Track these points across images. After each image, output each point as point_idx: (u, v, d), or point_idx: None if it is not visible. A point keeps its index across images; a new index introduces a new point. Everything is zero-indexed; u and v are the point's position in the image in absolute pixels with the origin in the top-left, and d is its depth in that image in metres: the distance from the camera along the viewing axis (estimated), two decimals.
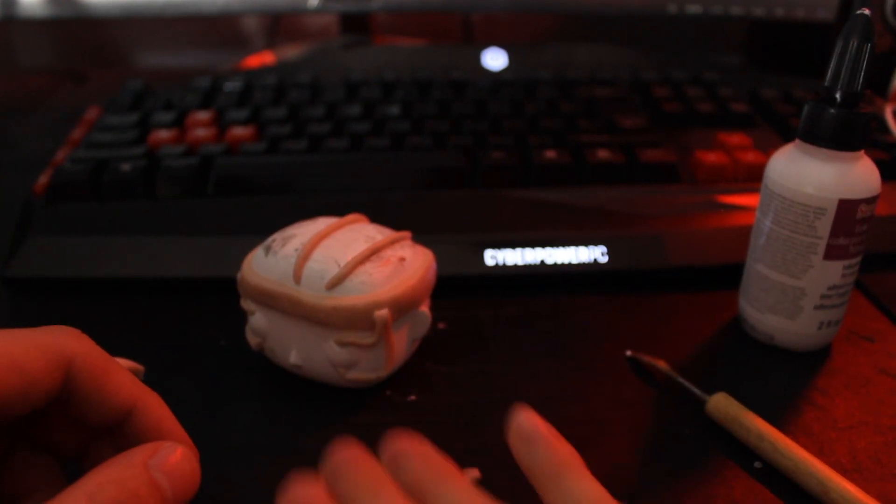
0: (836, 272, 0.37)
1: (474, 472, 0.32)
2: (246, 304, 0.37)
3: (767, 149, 0.50)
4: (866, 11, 0.34)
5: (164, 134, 0.51)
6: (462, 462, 0.33)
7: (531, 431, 0.26)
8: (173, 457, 0.25)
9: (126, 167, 0.47)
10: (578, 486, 0.24)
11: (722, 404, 0.35)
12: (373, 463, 0.25)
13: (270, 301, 0.35)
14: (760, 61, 0.80)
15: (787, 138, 0.53)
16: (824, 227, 0.36)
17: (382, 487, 0.24)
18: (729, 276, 0.44)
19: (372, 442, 0.34)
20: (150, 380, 0.37)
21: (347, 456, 0.25)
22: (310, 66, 0.63)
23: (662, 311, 0.43)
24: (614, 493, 0.31)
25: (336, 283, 0.34)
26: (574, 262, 0.45)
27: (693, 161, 0.50)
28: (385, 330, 0.34)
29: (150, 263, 0.44)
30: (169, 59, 0.95)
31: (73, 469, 0.28)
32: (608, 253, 0.45)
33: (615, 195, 0.47)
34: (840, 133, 0.35)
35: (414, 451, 0.25)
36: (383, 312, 0.34)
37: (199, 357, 0.39)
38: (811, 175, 0.36)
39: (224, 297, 0.41)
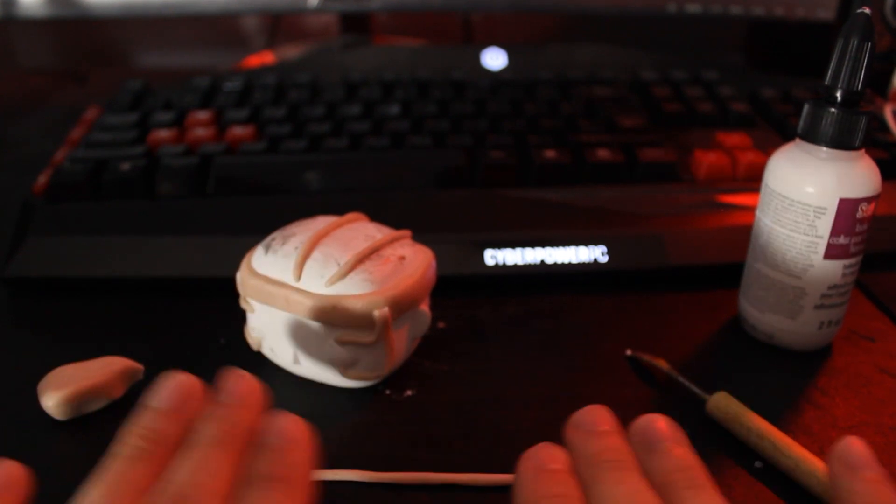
0: (836, 272, 0.37)
1: None
2: (245, 302, 0.37)
3: (767, 148, 0.50)
4: (866, 10, 0.34)
5: (163, 134, 0.51)
6: (462, 462, 0.33)
7: (859, 465, 0.24)
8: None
9: (126, 167, 0.47)
10: None
11: (722, 404, 0.35)
12: (622, 441, 0.23)
13: (270, 299, 0.35)
14: (760, 61, 0.80)
15: (786, 138, 0.52)
16: (824, 226, 0.36)
17: (629, 473, 0.22)
18: (729, 275, 0.44)
19: (372, 441, 0.34)
20: (149, 379, 0.37)
21: (598, 427, 0.23)
22: (310, 66, 0.63)
23: (662, 311, 0.43)
24: None
25: (336, 281, 0.34)
26: (574, 261, 0.44)
27: (693, 161, 0.50)
28: (385, 328, 0.34)
29: (150, 263, 0.44)
30: (169, 59, 0.95)
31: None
32: (608, 253, 0.45)
33: (615, 195, 0.47)
34: (840, 132, 0.35)
35: (669, 438, 0.23)
36: (383, 311, 0.34)
37: (199, 357, 0.39)
38: (811, 174, 0.36)
39: (224, 296, 0.41)
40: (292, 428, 0.23)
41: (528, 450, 0.23)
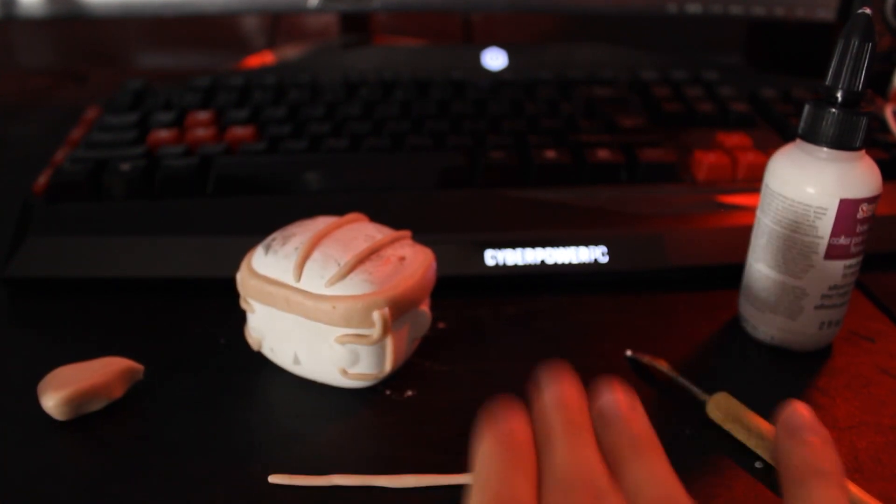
0: (836, 272, 0.37)
1: None
2: (245, 303, 0.37)
3: (767, 149, 0.50)
4: (867, 11, 0.34)
5: (163, 134, 0.51)
6: (462, 462, 0.33)
7: (799, 428, 0.25)
8: None
9: (125, 167, 0.47)
10: (823, 497, 0.23)
11: (722, 404, 0.35)
12: (581, 408, 0.24)
13: (270, 300, 0.35)
14: (760, 61, 0.80)
15: (787, 138, 0.52)
16: (825, 226, 0.36)
17: (582, 439, 0.23)
18: (729, 276, 0.44)
19: (372, 442, 0.34)
20: (149, 379, 0.37)
21: (559, 392, 0.24)
22: (310, 66, 0.63)
23: (662, 311, 0.43)
24: None
25: (336, 281, 0.34)
26: (574, 262, 0.44)
27: (693, 161, 0.50)
28: (385, 329, 0.34)
29: (150, 263, 0.44)
30: (169, 59, 0.95)
31: None
32: (608, 253, 0.45)
33: (615, 195, 0.47)
34: (841, 133, 0.35)
35: (624, 410, 0.24)
36: (383, 311, 0.34)
37: (199, 356, 0.39)
38: (812, 175, 0.36)
39: (224, 296, 0.41)
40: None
41: (491, 413, 0.24)
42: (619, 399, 0.24)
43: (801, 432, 0.25)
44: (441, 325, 0.41)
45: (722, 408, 0.34)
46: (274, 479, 0.32)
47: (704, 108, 0.55)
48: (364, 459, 0.33)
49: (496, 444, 0.23)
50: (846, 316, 0.40)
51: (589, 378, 0.38)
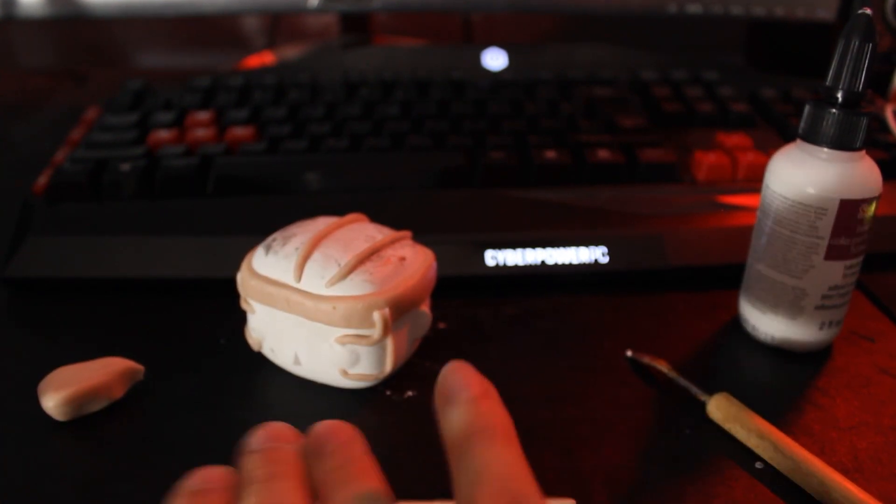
0: (837, 272, 0.37)
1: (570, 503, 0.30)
2: (246, 303, 0.37)
3: (767, 149, 0.50)
4: (867, 11, 0.34)
5: (163, 134, 0.51)
6: None
7: (453, 389, 0.22)
8: None
9: (126, 167, 0.47)
10: (485, 459, 0.20)
11: (722, 404, 0.35)
12: (285, 450, 0.23)
13: (270, 300, 0.35)
14: (760, 61, 0.80)
15: (787, 138, 0.52)
16: (825, 227, 0.36)
17: (281, 478, 0.22)
18: (729, 276, 0.44)
19: (372, 443, 0.34)
20: (149, 380, 0.37)
21: (262, 434, 0.23)
22: (310, 66, 0.63)
23: (662, 312, 0.43)
24: (614, 493, 0.31)
25: (336, 282, 0.34)
26: (574, 262, 0.44)
27: (693, 161, 0.49)
28: (385, 329, 0.34)
29: (150, 263, 0.44)
30: (169, 59, 0.95)
31: None
32: (608, 253, 0.45)
33: (615, 195, 0.47)
34: (841, 133, 0.35)
35: (334, 441, 0.23)
36: (384, 312, 0.34)
37: (199, 357, 0.39)
38: (812, 175, 0.36)
39: (224, 297, 0.41)
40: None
41: (190, 473, 0.23)
42: (332, 431, 0.23)
43: (455, 392, 0.22)
44: (441, 325, 0.41)
45: (722, 408, 0.34)
46: None
47: (704, 108, 0.55)
48: None
49: (184, 494, 0.22)
50: (846, 316, 0.40)
51: (589, 378, 0.38)
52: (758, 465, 0.33)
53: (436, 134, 0.51)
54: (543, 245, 0.45)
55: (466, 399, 0.22)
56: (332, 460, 0.22)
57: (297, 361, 0.36)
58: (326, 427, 0.24)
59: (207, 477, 0.22)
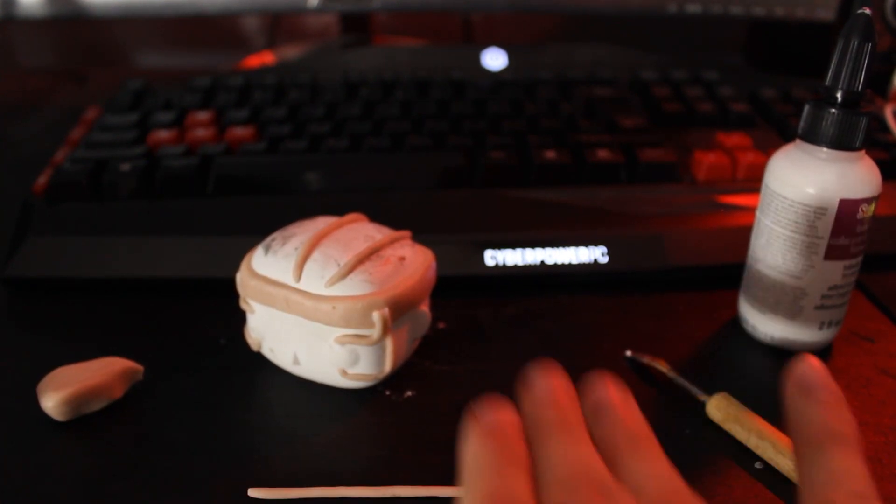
0: (836, 272, 0.37)
1: None
2: (245, 303, 0.37)
3: (767, 149, 0.50)
4: (867, 11, 0.34)
5: (163, 134, 0.51)
6: None
7: (813, 386, 0.23)
8: None
9: (126, 167, 0.47)
10: (842, 465, 0.22)
11: (722, 404, 0.35)
12: (573, 404, 0.23)
13: (270, 300, 0.35)
14: (760, 61, 0.80)
15: (787, 138, 0.52)
16: (825, 227, 0.36)
17: (575, 435, 0.22)
18: (729, 276, 0.44)
19: (372, 442, 0.34)
20: (149, 380, 0.37)
21: (550, 388, 0.23)
22: (310, 66, 0.63)
23: (662, 312, 0.43)
24: None
25: (336, 282, 0.34)
26: (574, 262, 0.44)
27: (693, 161, 0.49)
28: (385, 329, 0.34)
29: (150, 263, 0.44)
30: (169, 59, 0.95)
31: None
32: (608, 253, 0.45)
33: (615, 195, 0.47)
34: (841, 133, 0.35)
35: (617, 405, 0.23)
36: (383, 312, 0.34)
37: (199, 357, 0.39)
38: (812, 175, 0.36)
39: (224, 297, 0.41)
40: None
41: (480, 409, 0.23)
42: (611, 394, 0.23)
43: (815, 391, 0.23)
44: (441, 325, 0.41)
45: (722, 408, 0.34)
46: (253, 492, 0.31)
47: (704, 108, 0.55)
48: (364, 460, 0.33)
49: (487, 440, 0.22)
50: (846, 316, 0.40)
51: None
52: (757, 465, 0.33)
53: (436, 134, 0.51)
54: (543, 245, 0.45)
55: (827, 401, 0.23)
56: (620, 427, 0.23)
57: (296, 361, 0.36)
58: (603, 385, 0.24)
59: (502, 420, 0.22)
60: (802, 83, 0.60)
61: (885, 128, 0.55)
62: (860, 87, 0.35)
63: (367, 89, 0.57)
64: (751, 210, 0.45)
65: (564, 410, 0.23)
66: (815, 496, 0.21)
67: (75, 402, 0.34)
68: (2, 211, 0.49)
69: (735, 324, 0.42)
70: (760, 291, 0.39)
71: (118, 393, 0.36)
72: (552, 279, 0.45)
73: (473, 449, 0.22)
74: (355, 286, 0.34)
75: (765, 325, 0.40)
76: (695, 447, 0.34)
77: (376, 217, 0.40)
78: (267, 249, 0.36)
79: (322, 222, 0.38)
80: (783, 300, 0.38)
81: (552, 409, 0.23)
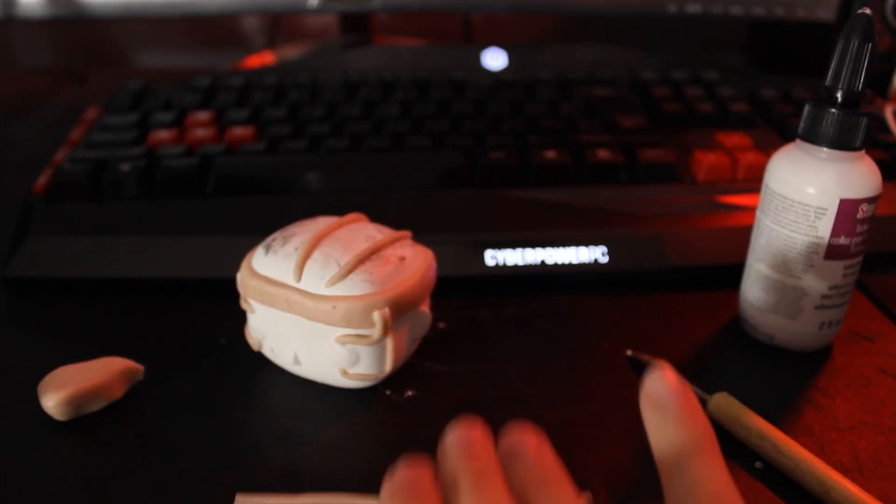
0: (836, 272, 0.37)
1: (586, 496, 0.31)
2: (246, 303, 0.37)
3: (767, 149, 0.50)
4: (867, 11, 0.34)
5: (163, 134, 0.51)
6: None
7: (663, 402, 0.23)
8: None
9: (126, 167, 0.47)
10: (699, 472, 0.22)
11: (722, 404, 0.35)
12: (487, 454, 0.23)
13: (270, 300, 0.35)
14: (760, 61, 0.80)
15: (787, 138, 0.52)
16: (825, 226, 0.36)
17: (488, 482, 0.22)
18: (729, 276, 0.44)
19: (372, 443, 0.34)
20: (149, 380, 0.37)
21: (465, 439, 0.23)
22: (310, 66, 0.63)
23: (662, 312, 0.43)
24: (613, 492, 0.31)
25: (336, 281, 0.34)
26: (574, 262, 0.44)
27: (693, 161, 0.50)
28: (385, 329, 0.34)
29: (150, 263, 0.44)
30: (169, 59, 0.95)
31: None
32: (608, 253, 0.45)
33: (615, 195, 0.47)
34: (841, 133, 0.35)
35: (530, 450, 0.23)
36: (383, 312, 0.34)
37: (199, 357, 0.39)
38: (812, 175, 0.36)
39: (224, 296, 0.41)
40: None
41: (394, 467, 0.23)
42: (525, 439, 0.24)
43: (665, 407, 0.23)
44: (441, 326, 0.41)
45: (722, 407, 0.34)
46: (240, 499, 0.31)
47: (704, 108, 0.55)
48: (364, 460, 0.33)
49: (399, 497, 0.22)
50: (846, 316, 0.40)
51: (589, 378, 0.38)
52: (758, 465, 0.33)
53: (436, 134, 0.51)
54: (543, 245, 0.45)
55: (678, 413, 0.23)
56: (533, 471, 0.23)
57: (296, 361, 0.36)
58: (519, 432, 0.24)
59: (414, 478, 0.22)
60: (802, 83, 0.60)
61: (885, 128, 0.55)
62: (860, 87, 0.35)
63: (367, 89, 0.57)
64: (751, 210, 0.45)
65: (479, 460, 0.23)
66: None
67: (75, 401, 0.34)
68: (2, 211, 0.49)
69: (735, 324, 0.42)
70: (760, 291, 0.39)
71: (118, 393, 0.36)
72: (552, 279, 0.45)
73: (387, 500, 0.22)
74: (356, 286, 0.34)
75: (765, 325, 0.40)
76: None
77: (376, 217, 0.40)
78: (267, 249, 0.36)
79: (322, 222, 0.38)
80: (783, 300, 0.38)
81: (466, 459, 0.23)
